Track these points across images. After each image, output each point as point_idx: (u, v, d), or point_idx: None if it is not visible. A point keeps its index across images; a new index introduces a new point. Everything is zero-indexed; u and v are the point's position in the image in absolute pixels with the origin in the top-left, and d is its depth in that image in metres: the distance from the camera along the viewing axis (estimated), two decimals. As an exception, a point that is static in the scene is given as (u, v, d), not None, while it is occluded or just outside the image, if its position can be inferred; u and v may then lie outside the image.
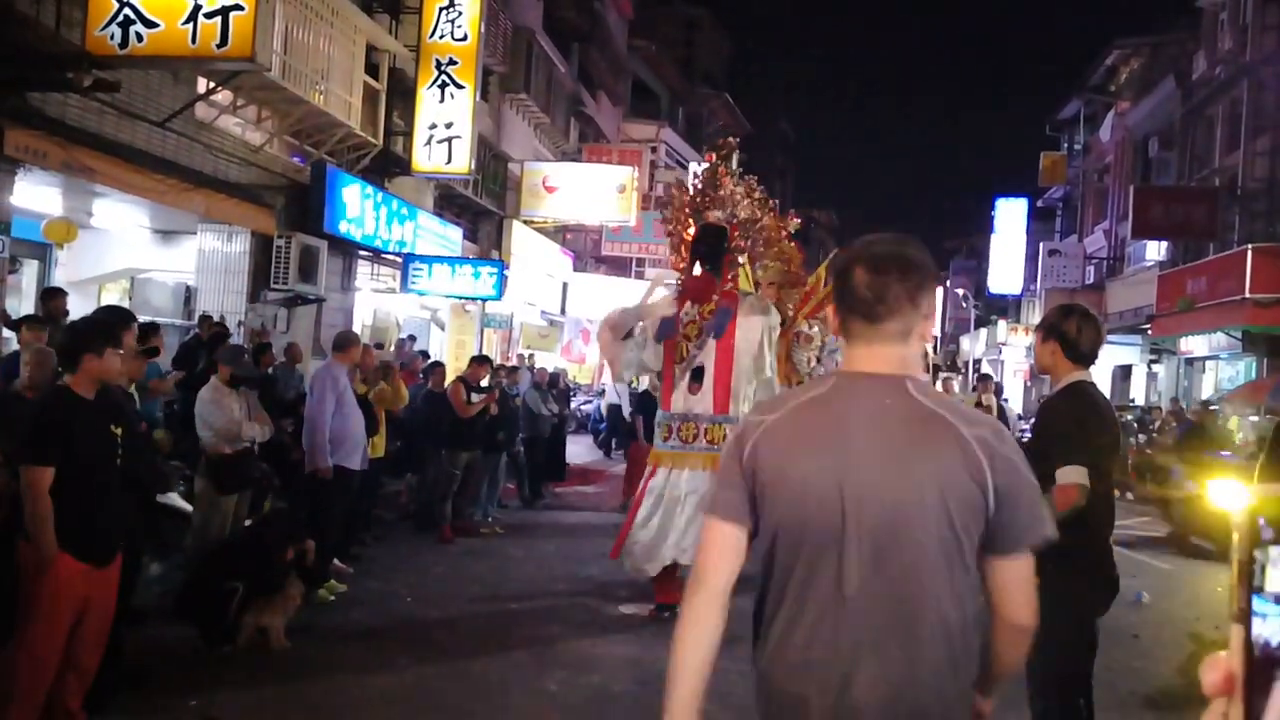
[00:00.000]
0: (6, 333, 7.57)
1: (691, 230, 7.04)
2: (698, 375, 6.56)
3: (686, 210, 7.11)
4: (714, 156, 7.28)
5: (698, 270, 6.82)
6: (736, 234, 7.03)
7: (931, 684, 1.68)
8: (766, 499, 1.74)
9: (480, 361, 10.02)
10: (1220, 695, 0.54)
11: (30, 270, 10.16)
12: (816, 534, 1.70)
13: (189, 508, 6.47)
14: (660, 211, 7.59)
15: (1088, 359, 3.45)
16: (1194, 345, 20.11)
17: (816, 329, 10.56)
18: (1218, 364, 20.28)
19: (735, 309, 6.66)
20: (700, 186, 7.18)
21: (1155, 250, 23.35)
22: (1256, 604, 0.53)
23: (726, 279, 6.93)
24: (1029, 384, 31.42)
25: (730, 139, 7.54)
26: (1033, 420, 4.05)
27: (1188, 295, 18.25)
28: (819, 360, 10.36)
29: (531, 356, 17.01)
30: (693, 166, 22.93)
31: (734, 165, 7.38)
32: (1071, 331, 3.41)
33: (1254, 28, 19.17)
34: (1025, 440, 3.72)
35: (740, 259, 7.20)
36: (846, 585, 1.67)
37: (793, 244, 11.02)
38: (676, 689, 1.71)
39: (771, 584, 1.78)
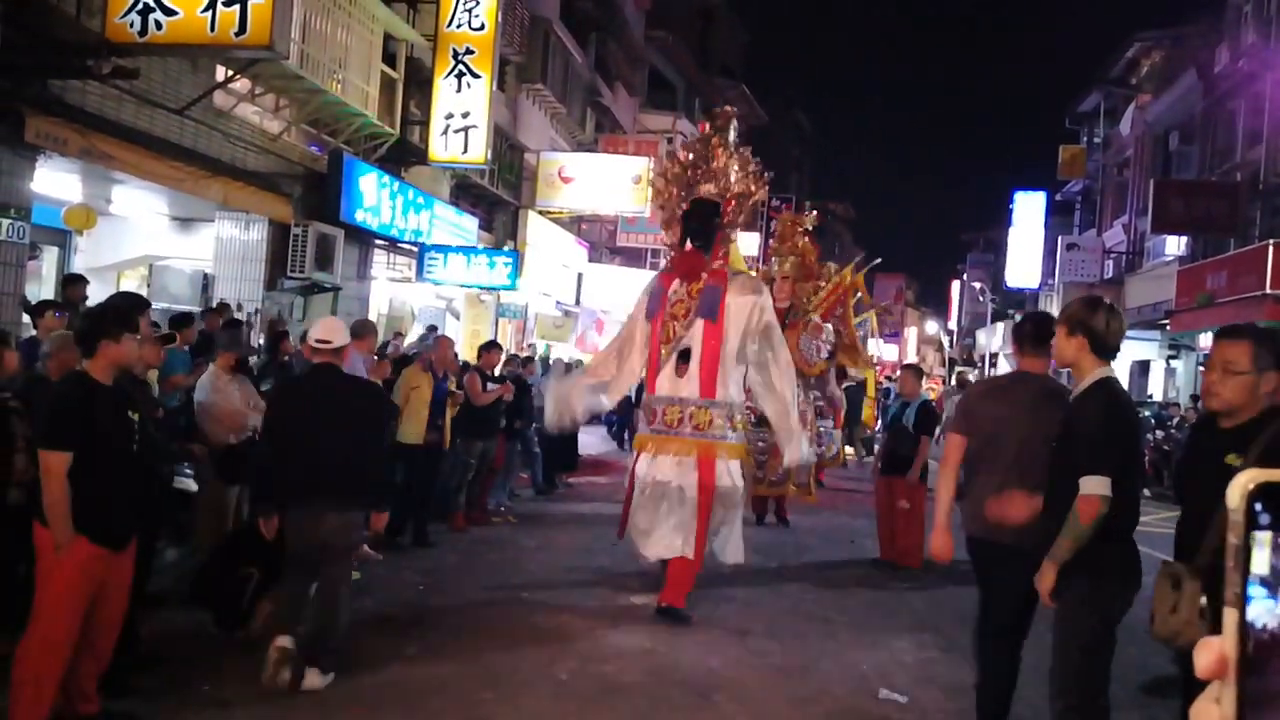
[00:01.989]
0: (25, 318, 7.64)
1: (683, 204, 6.69)
2: (685, 357, 6.22)
3: (678, 184, 6.69)
4: (707, 126, 6.79)
5: (687, 247, 6.48)
6: (730, 209, 6.60)
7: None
8: (973, 424, 4.04)
9: (490, 348, 9.96)
10: (1213, 677, 0.55)
11: (50, 256, 10.25)
12: (999, 439, 3.90)
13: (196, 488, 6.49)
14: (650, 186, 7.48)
15: (1113, 353, 3.38)
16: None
17: (829, 325, 10.64)
18: (1237, 360, 20.07)
19: (725, 288, 6.30)
20: (692, 159, 6.74)
21: (1175, 245, 23.14)
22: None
23: (717, 256, 6.53)
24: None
25: (727, 108, 7.03)
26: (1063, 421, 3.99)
27: (1207, 290, 18.07)
28: (822, 353, 10.45)
29: (549, 349, 17.03)
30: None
31: (731, 136, 6.85)
32: (1100, 326, 3.31)
33: (1277, 20, 18.91)
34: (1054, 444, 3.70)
35: (733, 235, 6.83)
36: (1012, 464, 3.79)
37: (807, 238, 11.06)
38: (941, 505, 4.05)
39: (975, 466, 4.01)
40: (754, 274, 8.23)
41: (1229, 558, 0.55)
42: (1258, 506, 0.54)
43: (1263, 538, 0.54)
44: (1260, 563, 0.54)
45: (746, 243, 23.31)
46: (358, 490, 4.68)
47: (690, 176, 6.61)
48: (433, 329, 14.25)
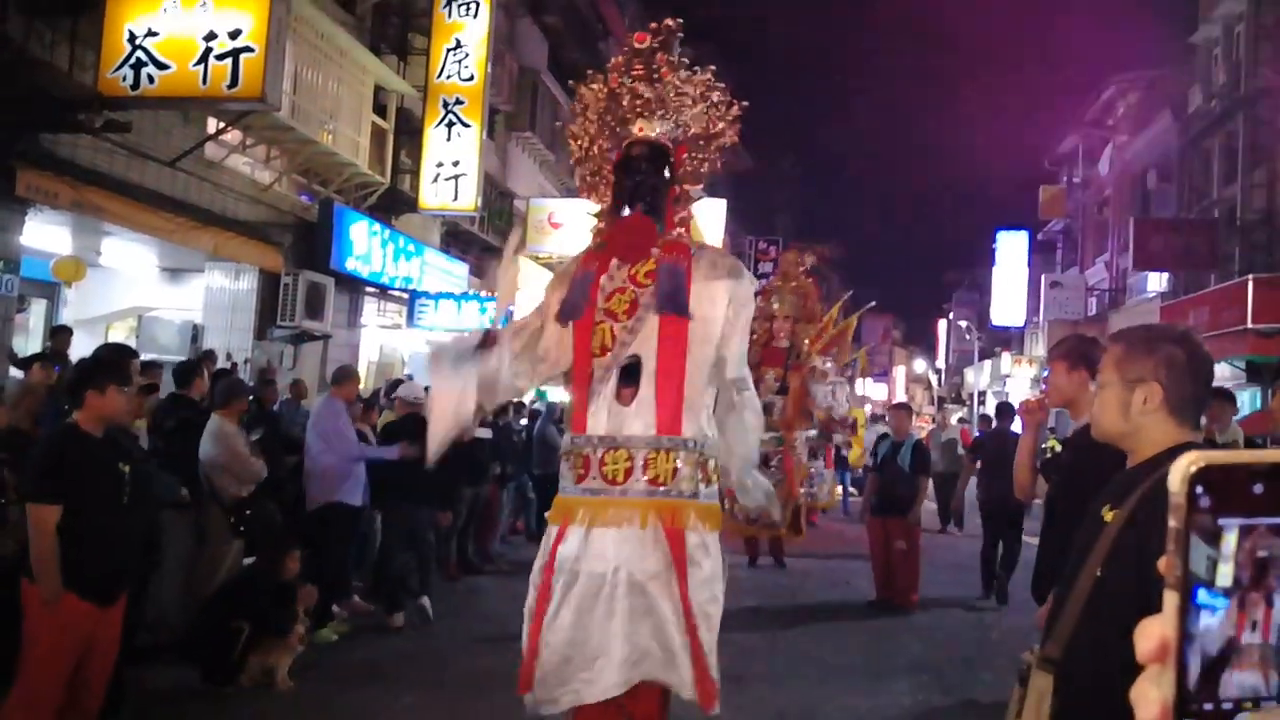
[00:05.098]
0: (14, 371, 7.61)
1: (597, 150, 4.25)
2: (631, 375, 3.87)
3: (604, 119, 4.24)
4: (647, 38, 4.25)
5: (625, 212, 4.03)
6: (684, 157, 4.23)
7: None
8: None
9: None
10: (1153, 662, 0.55)
11: (38, 309, 10.23)
12: None
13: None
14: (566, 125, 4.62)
15: None
16: (1199, 376, 20.12)
17: (829, 364, 10.60)
18: (1223, 395, 20.26)
19: (689, 267, 3.94)
20: (627, 83, 4.20)
21: (1157, 281, 23.43)
22: (1207, 597, 0.54)
23: (672, 224, 4.14)
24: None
25: (670, 21, 4.38)
26: (1065, 455, 3.88)
27: (1190, 326, 18.27)
28: (838, 398, 10.35)
29: (545, 394, 16.98)
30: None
31: (675, 56, 4.32)
32: (1100, 360, 3.36)
33: (1247, 62, 19.36)
34: (1061, 480, 3.53)
35: (696, 195, 4.38)
36: None
37: (809, 279, 11.08)
38: None
39: None
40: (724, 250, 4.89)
41: (1170, 541, 0.55)
42: (1199, 489, 0.54)
43: (1225, 550, 0.54)
44: (1225, 576, 0.54)
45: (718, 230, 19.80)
46: (443, 495, 7.53)
47: (623, 108, 4.25)
48: (397, 383, 14.09)
